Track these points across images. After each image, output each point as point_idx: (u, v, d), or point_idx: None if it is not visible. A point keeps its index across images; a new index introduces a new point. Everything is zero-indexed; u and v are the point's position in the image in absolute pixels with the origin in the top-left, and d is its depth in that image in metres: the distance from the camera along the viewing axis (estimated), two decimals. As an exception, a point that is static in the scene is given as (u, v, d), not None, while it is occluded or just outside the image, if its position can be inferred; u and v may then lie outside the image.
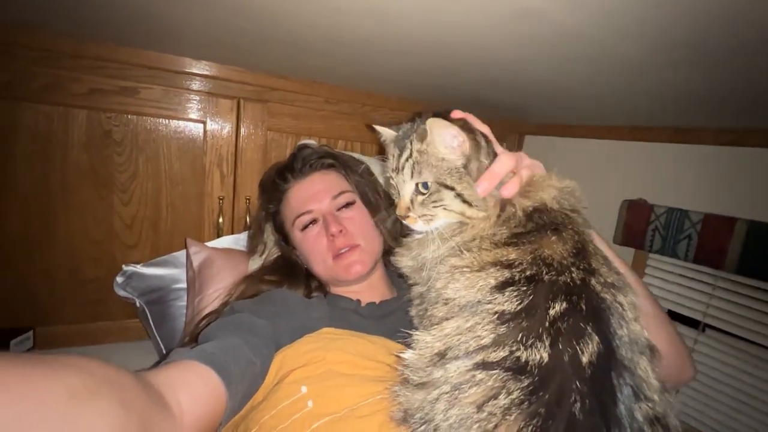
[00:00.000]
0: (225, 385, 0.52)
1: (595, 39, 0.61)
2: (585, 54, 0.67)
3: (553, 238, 0.48)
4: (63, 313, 1.02)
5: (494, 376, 0.39)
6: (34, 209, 0.95)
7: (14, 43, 0.86)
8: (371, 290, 0.85)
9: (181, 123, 1.07)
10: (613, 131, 1.36)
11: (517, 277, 0.44)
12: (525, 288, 0.43)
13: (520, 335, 0.41)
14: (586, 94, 0.97)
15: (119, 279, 1.00)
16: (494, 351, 0.41)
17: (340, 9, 0.60)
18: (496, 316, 0.43)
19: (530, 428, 0.37)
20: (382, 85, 1.15)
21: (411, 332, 0.50)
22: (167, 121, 1.05)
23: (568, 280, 0.44)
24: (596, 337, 0.40)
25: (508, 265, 0.46)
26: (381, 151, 1.36)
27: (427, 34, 0.67)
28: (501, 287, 0.44)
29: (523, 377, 0.38)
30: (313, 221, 0.83)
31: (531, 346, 0.40)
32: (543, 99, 1.07)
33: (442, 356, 0.44)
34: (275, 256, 0.95)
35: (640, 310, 0.46)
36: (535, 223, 0.50)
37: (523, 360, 0.39)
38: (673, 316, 1.24)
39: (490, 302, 0.44)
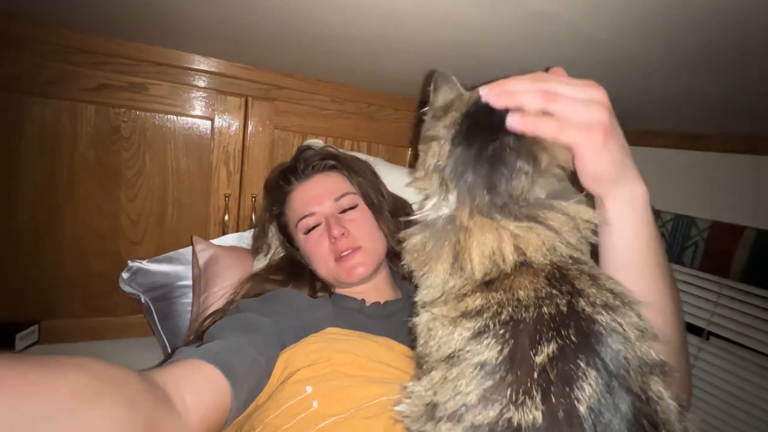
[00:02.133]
0: (230, 385, 0.52)
1: (606, 42, 0.60)
2: (595, 57, 0.67)
3: (524, 275, 0.43)
4: (68, 308, 1.02)
5: None
6: (41, 203, 0.96)
7: (25, 37, 0.87)
8: (375, 291, 0.85)
9: (189, 120, 1.07)
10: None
11: (491, 324, 0.40)
12: (502, 332, 0.39)
13: (508, 391, 0.36)
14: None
15: (124, 275, 1.00)
16: (482, 411, 0.37)
17: (354, 7, 0.60)
18: (478, 367, 0.39)
19: None
20: (388, 84, 1.15)
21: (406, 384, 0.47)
22: (175, 117, 1.05)
23: (552, 310, 0.39)
24: (593, 372, 0.36)
25: (477, 313, 0.42)
26: (387, 152, 1.36)
27: (439, 34, 0.67)
28: (476, 336, 0.40)
29: None
30: (316, 224, 0.83)
31: (522, 404, 0.36)
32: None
33: (434, 408, 0.41)
34: (280, 255, 0.95)
35: (647, 331, 0.41)
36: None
37: (516, 423, 0.35)
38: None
39: (468, 351, 0.40)
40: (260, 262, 0.97)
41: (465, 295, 0.44)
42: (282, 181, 0.88)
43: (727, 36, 0.53)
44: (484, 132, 0.46)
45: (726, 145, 1.12)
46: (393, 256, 0.93)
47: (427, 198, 0.52)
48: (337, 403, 0.57)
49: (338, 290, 0.86)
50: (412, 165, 0.56)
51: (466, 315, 0.42)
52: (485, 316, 0.41)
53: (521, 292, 0.41)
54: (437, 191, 0.49)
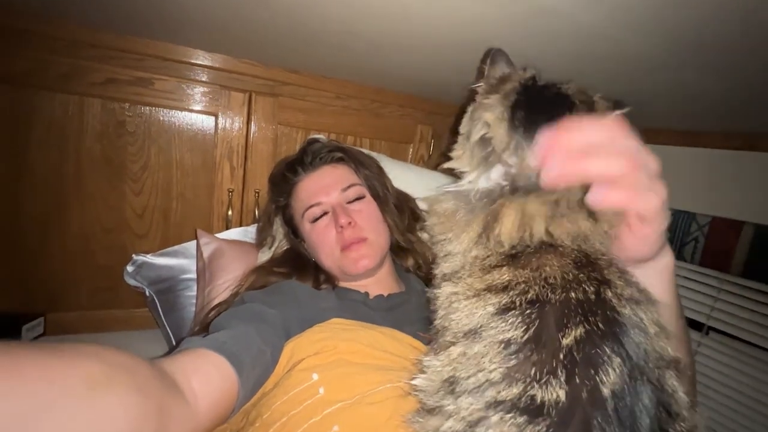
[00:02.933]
0: (237, 373, 0.53)
1: (609, 36, 0.61)
2: (597, 52, 0.68)
3: (550, 255, 0.42)
4: (74, 301, 1.03)
5: (510, 421, 0.36)
6: (48, 197, 0.97)
7: (34, 32, 0.88)
8: (379, 284, 0.86)
9: (194, 115, 1.08)
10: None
11: (517, 302, 0.40)
12: (529, 312, 0.39)
13: (533, 370, 0.37)
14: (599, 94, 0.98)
15: (129, 268, 1.01)
16: (506, 388, 0.37)
17: (362, 2, 0.61)
18: (502, 345, 0.39)
19: None
20: (392, 81, 1.16)
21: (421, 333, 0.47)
22: (180, 112, 1.06)
23: (580, 296, 0.39)
24: (617, 359, 0.37)
25: (503, 288, 0.41)
26: (390, 148, 1.37)
27: (443, 29, 0.68)
28: (501, 313, 0.40)
29: (540, 419, 0.35)
30: (323, 213, 0.84)
31: (546, 383, 0.36)
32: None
33: (451, 384, 0.42)
34: (284, 248, 0.96)
35: (665, 329, 0.41)
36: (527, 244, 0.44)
37: (539, 400, 0.36)
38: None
39: (492, 328, 0.40)
40: (264, 255, 0.98)
41: (492, 267, 0.44)
42: (289, 172, 0.89)
43: (728, 30, 0.53)
44: (543, 106, 0.45)
45: (725, 142, 1.13)
46: (397, 249, 0.94)
47: (464, 174, 0.52)
48: (343, 390, 0.58)
49: (342, 283, 0.87)
50: (448, 150, 0.55)
51: (491, 289, 0.42)
52: (512, 293, 0.41)
53: (548, 271, 0.41)
54: (479, 165, 0.49)
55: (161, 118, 1.05)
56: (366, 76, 1.13)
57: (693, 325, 1.22)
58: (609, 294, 0.40)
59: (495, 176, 0.48)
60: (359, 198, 0.86)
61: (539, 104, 0.45)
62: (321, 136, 1.15)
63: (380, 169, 0.95)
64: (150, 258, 1.02)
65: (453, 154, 0.53)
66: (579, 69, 0.78)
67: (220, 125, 1.10)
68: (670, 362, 0.40)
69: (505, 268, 0.43)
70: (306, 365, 0.61)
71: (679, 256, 1.17)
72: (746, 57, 0.61)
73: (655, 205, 0.39)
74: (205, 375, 0.50)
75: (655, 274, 0.46)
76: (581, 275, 0.41)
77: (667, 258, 0.47)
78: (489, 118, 0.47)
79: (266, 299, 0.72)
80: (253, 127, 1.13)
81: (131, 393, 0.36)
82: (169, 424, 0.40)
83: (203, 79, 1.06)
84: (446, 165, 0.54)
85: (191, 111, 1.07)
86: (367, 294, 0.83)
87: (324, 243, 0.83)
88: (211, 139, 1.10)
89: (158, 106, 1.04)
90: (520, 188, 0.45)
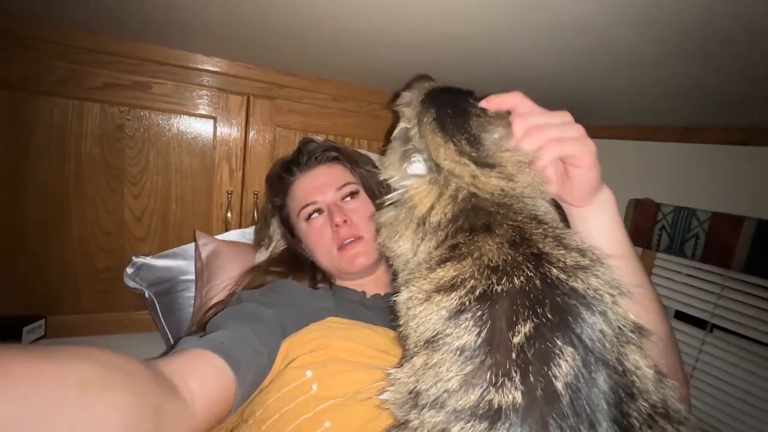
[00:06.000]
0: (234, 373, 0.52)
1: (603, 30, 0.61)
2: (592, 46, 0.68)
3: (485, 236, 0.44)
4: (74, 303, 1.04)
5: (470, 430, 0.36)
6: (48, 200, 0.98)
7: (34, 37, 0.89)
8: (376, 283, 0.86)
9: (192, 118, 1.09)
10: (620, 131, 1.36)
11: (467, 302, 0.40)
12: (480, 312, 0.39)
13: (488, 374, 0.37)
14: (594, 91, 0.98)
15: (129, 270, 1.01)
16: (463, 396, 0.37)
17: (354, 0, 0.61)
18: (458, 352, 0.39)
19: None
20: (388, 82, 1.17)
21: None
22: (178, 116, 1.08)
23: (525, 283, 0.39)
24: (569, 349, 0.36)
25: (451, 287, 0.41)
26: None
27: (435, 26, 0.68)
28: (454, 317, 0.40)
29: (499, 424, 0.35)
30: (318, 211, 0.84)
31: (501, 386, 0.36)
32: (553, 96, 1.07)
33: (415, 396, 0.41)
34: (281, 248, 0.96)
35: (621, 288, 0.42)
36: (462, 228, 0.46)
37: (496, 404, 0.36)
38: (681, 316, 1.23)
39: (448, 335, 0.40)
40: (262, 256, 0.98)
41: (437, 264, 0.44)
42: (284, 172, 0.89)
43: (726, 23, 0.53)
44: (446, 99, 0.53)
45: (723, 138, 1.12)
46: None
47: (395, 180, 0.56)
48: (336, 387, 0.57)
49: (339, 282, 0.87)
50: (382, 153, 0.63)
51: (440, 289, 0.42)
52: (460, 292, 0.41)
53: (488, 255, 0.42)
54: (402, 162, 0.54)
55: (160, 122, 1.06)
56: (361, 77, 1.14)
57: (697, 322, 1.21)
58: (554, 272, 0.40)
59: (417, 169, 0.52)
60: (354, 195, 0.86)
61: (440, 94, 0.55)
62: (317, 138, 1.16)
63: (375, 167, 0.96)
64: (149, 260, 1.03)
65: (384, 166, 0.58)
66: (574, 63, 0.78)
67: (218, 128, 1.11)
68: (632, 333, 0.40)
69: (449, 264, 0.43)
70: (300, 363, 0.61)
71: (680, 252, 1.16)
72: (745, 50, 0.60)
73: (590, 148, 0.50)
74: (202, 375, 0.50)
75: (603, 208, 0.54)
76: (518, 256, 0.41)
77: (607, 190, 0.55)
78: (405, 110, 0.56)
79: (263, 299, 0.72)
80: (251, 130, 1.14)
81: (126, 395, 0.35)
82: (165, 426, 0.39)
83: (201, 83, 1.08)
84: (380, 177, 0.59)
85: (190, 114, 1.08)
86: (364, 293, 0.82)
87: (320, 242, 0.83)
88: (209, 141, 1.11)
89: (157, 109, 1.05)
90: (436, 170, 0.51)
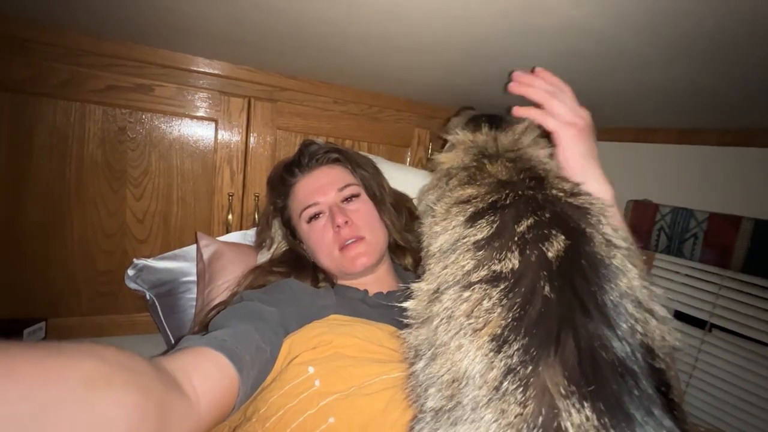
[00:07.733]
0: (237, 371, 0.53)
1: (599, 32, 0.62)
2: (588, 48, 0.69)
3: (497, 164, 0.59)
4: (75, 305, 1.04)
5: (477, 290, 0.45)
6: (50, 202, 0.98)
7: (36, 40, 0.90)
8: (378, 282, 0.86)
9: (193, 121, 1.10)
10: (619, 133, 1.37)
11: (480, 207, 0.51)
12: (492, 215, 0.49)
13: (494, 253, 0.46)
14: (593, 94, 0.99)
15: (130, 272, 1.02)
16: (476, 272, 0.46)
17: (355, 4, 0.62)
18: (474, 245, 0.48)
19: (511, 317, 0.42)
20: (388, 85, 1.18)
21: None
22: (180, 118, 1.08)
23: (530, 194, 0.51)
24: (561, 236, 0.46)
25: (467, 200, 0.53)
26: (388, 152, 1.38)
27: (436, 28, 0.69)
28: (471, 219, 0.50)
29: (499, 283, 0.44)
30: (320, 213, 0.84)
31: (503, 258, 0.45)
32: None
33: (436, 291, 0.49)
34: (283, 249, 0.96)
35: (609, 206, 0.53)
36: (479, 166, 0.61)
37: (498, 270, 0.45)
38: (680, 316, 1.23)
39: (466, 236, 0.49)
40: (263, 256, 0.98)
41: (458, 185, 0.57)
42: (286, 173, 0.90)
43: (722, 25, 0.54)
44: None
45: (721, 139, 1.13)
46: (395, 248, 0.94)
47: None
48: (339, 382, 0.58)
49: (341, 281, 0.87)
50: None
51: (458, 202, 0.54)
52: (476, 202, 0.52)
53: (499, 177, 0.55)
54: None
55: (162, 125, 1.07)
56: (362, 80, 1.15)
57: (695, 322, 1.22)
58: (553, 192, 0.52)
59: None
60: (355, 197, 0.86)
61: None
62: (317, 139, 1.16)
63: (376, 169, 0.96)
64: (151, 262, 1.03)
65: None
66: (569, 66, 0.79)
67: (219, 130, 1.12)
68: (620, 241, 0.48)
69: (467, 185, 0.56)
70: (302, 359, 0.61)
71: (678, 253, 1.16)
72: (740, 52, 0.61)
73: (566, 122, 0.62)
74: (206, 373, 0.50)
75: (595, 189, 0.60)
76: (525, 178, 0.54)
77: (601, 187, 0.61)
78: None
79: (265, 297, 0.73)
80: (252, 132, 1.15)
81: (131, 392, 0.36)
82: (170, 423, 0.40)
83: (203, 86, 1.08)
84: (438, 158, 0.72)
85: (191, 117, 1.09)
86: (366, 291, 0.83)
87: (322, 243, 0.84)
88: (210, 144, 1.12)
89: (158, 112, 1.06)
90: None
